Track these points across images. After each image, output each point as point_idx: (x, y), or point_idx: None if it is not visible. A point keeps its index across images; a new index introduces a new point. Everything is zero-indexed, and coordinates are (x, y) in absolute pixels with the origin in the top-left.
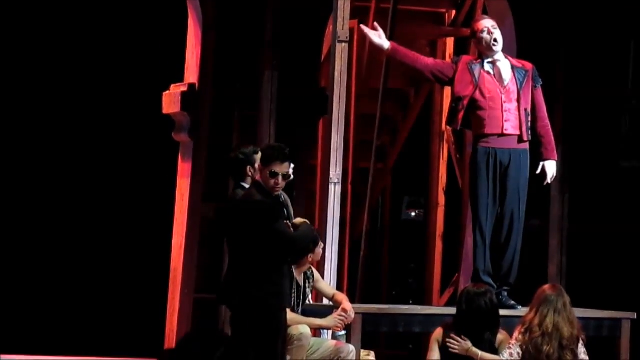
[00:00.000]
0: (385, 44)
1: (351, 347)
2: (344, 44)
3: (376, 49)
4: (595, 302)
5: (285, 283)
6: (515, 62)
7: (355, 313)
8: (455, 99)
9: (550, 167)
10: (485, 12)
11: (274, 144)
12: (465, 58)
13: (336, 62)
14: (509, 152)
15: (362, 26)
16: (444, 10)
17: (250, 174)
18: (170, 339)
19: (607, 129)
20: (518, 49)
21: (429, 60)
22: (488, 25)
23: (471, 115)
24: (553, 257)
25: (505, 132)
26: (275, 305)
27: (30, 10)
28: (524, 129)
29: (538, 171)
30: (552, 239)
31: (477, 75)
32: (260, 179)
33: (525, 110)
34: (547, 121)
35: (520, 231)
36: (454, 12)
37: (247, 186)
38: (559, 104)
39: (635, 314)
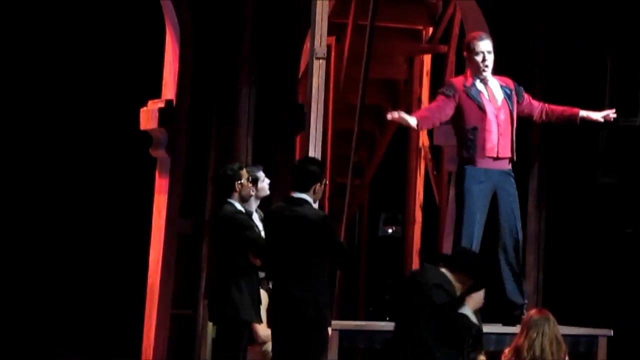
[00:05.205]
0: (412, 120)
1: None
2: (321, 61)
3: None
4: (572, 318)
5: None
6: (499, 80)
7: (332, 329)
8: (472, 130)
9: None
10: (462, 30)
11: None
12: (458, 85)
13: (314, 78)
14: (499, 172)
15: (392, 114)
16: (421, 27)
17: (237, 189)
18: (147, 354)
19: (585, 145)
20: (495, 65)
21: (440, 110)
22: (484, 50)
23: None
24: (530, 273)
25: (499, 154)
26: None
27: (10, 24)
28: (514, 149)
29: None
30: (528, 255)
31: (478, 99)
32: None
33: (515, 130)
34: (541, 103)
35: (521, 245)
36: (431, 29)
37: (233, 202)
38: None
39: (612, 331)
